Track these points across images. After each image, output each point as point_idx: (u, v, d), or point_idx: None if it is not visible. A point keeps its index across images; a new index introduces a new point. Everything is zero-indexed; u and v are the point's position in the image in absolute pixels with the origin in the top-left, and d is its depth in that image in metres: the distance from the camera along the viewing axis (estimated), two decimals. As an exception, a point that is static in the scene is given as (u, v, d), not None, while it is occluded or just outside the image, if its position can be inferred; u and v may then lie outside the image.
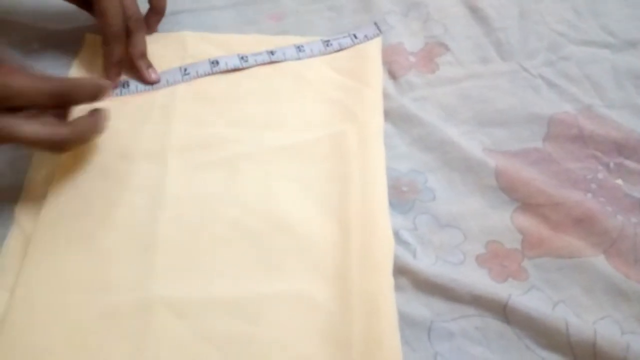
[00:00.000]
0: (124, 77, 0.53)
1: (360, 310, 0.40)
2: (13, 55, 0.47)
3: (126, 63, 0.53)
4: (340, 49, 0.57)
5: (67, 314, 0.40)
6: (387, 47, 0.58)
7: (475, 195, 0.48)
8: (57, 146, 0.42)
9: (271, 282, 0.42)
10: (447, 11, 0.62)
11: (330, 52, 0.57)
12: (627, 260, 0.44)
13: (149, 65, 0.53)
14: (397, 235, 0.45)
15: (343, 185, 0.47)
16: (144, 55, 0.53)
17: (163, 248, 0.43)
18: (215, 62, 0.54)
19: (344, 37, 0.58)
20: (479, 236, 0.46)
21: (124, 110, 0.50)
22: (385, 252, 0.43)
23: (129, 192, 0.46)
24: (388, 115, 0.52)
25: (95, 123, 0.44)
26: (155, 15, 0.56)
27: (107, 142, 0.48)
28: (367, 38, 0.58)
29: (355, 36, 0.58)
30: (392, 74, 0.56)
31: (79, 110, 0.45)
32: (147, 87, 0.52)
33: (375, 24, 0.59)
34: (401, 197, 0.48)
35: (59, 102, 0.42)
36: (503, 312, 0.41)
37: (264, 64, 0.55)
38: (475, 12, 0.61)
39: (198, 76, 0.54)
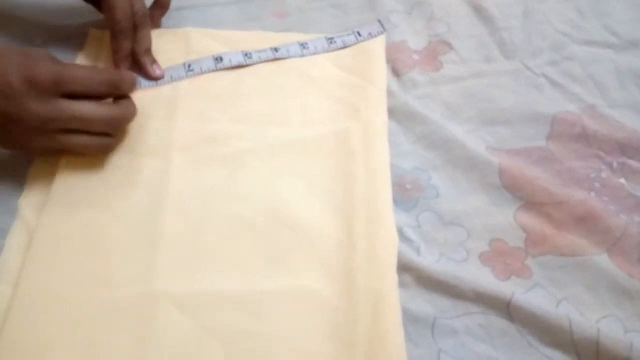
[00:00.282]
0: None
1: (364, 307, 0.40)
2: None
3: (131, 58, 0.53)
4: (344, 47, 0.57)
5: (71, 307, 0.40)
6: (390, 45, 0.58)
7: (479, 193, 0.48)
8: (111, 124, 0.45)
9: (275, 277, 0.42)
10: (450, 10, 0.62)
11: (334, 50, 0.57)
12: (630, 259, 0.44)
13: (153, 61, 0.53)
14: (400, 232, 0.45)
15: (347, 182, 0.47)
16: (148, 51, 0.53)
17: (167, 243, 0.43)
18: (219, 59, 0.54)
19: (348, 34, 0.58)
20: (482, 234, 0.46)
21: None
22: (389, 249, 0.43)
23: (133, 188, 0.46)
24: (392, 112, 0.52)
25: (133, 105, 0.47)
26: (159, 9, 0.56)
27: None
28: (371, 36, 0.58)
29: (359, 34, 0.58)
30: (396, 72, 0.56)
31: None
32: (151, 82, 0.52)
33: (379, 21, 0.59)
34: (405, 194, 0.48)
35: (108, 90, 0.45)
36: (506, 309, 0.41)
37: (267, 60, 0.55)
38: (479, 12, 0.62)
39: (202, 72, 0.54)
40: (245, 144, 0.49)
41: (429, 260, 0.44)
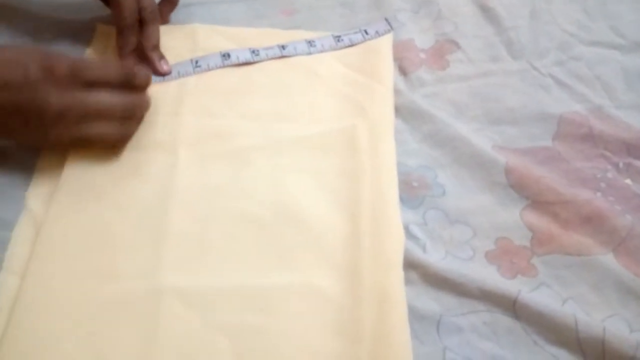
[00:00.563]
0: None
1: (370, 304, 0.40)
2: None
3: (138, 54, 0.53)
4: (351, 45, 0.57)
5: (77, 300, 0.40)
6: (397, 44, 0.58)
7: (485, 192, 0.48)
8: (129, 110, 0.46)
9: (281, 273, 0.42)
10: (457, 10, 0.62)
11: (342, 48, 0.57)
12: (635, 259, 0.44)
13: (161, 57, 0.53)
14: (406, 229, 0.45)
15: (354, 179, 0.47)
16: (156, 47, 0.53)
17: (173, 238, 0.43)
18: (226, 55, 0.54)
19: (355, 33, 0.58)
20: (488, 232, 0.46)
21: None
22: (395, 247, 0.43)
23: (140, 182, 0.46)
24: (398, 111, 0.52)
25: (148, 97, 0.48)
26: (168, 5, 0.56)
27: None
28: (378, 34, 0.58)
29: (366, 32, 0.58)
30: (403, 70, 0.56)
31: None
32: (159, 78, 0.53)
33: (387, 20, 0.59)
34: (411, 192, 0.48)
35: (125, 81, 0.46)
36: (512, 308, 0.41)
37: (275, 58, 0.55)
38: (486, 12, 0.62)
39: (209, 69, 0.54)
40: (252, 140, 0.49)
41: (435, 258, 0.44)
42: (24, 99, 0.42)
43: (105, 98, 0.44)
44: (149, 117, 0.49)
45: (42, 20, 0.57)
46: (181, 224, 0.44)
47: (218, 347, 0.39)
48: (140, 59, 0.53)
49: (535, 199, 0.47)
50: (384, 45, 0.57)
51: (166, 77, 0.53)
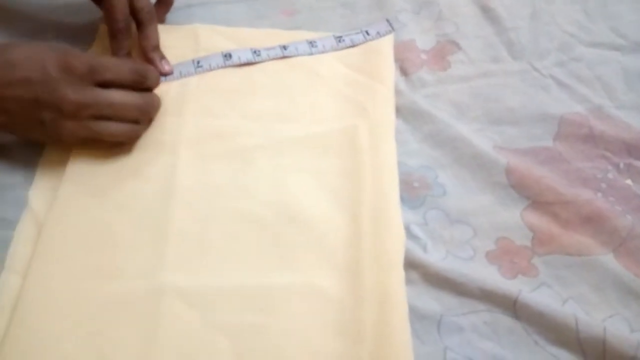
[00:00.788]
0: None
1: (372, 303, 0.40)
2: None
3: (140, 55, 0.53)
4: (353, 45, 0.57)
5: (79, 299, 0.40)
6: (398, 44, 0.58)
7: (486, 192, 0.48)
8: (142, 111, 0.47)
9: (282, 273, 0.42)
10: (458, 10, 0.62)
11: (343, 48, 0.57)
12: (636, 259, 0.44)
13: (162, 57, 0.53)
14: (407, 229, 0.45)
15: (355, 179, 0.47)
16: (157, 47, 0.53)
17: (174, 237, 0.43)
18: (228, 56, 0.55)
19: (357, 33, 0.58)
20: (489, 232, 0.46)
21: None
22: (396, 246, 0.43)
23: (142, 182, 0.46)
24: (399, 111, 0.53)
25: (157, 96, 0.49)
26: (163, 6, 0.56)
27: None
28: (379, 35, 0.58)
29: (367, 33, 0.58)
30: (404, 71, 0.56)
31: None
32: (160, 78, 0.53)
33: (388, 21, 0.59)
34: (412, 192, 0.48)
35: (137, 80, 0.47)
36: (513, 307, 0.41)
37: (276, 58, 0.55)
38: (487, 12, 0.62)
39: (211, 69, 0.54)
40: (254, 140, 0.49)
41: (435, 258, 0.44)
42: (42, 94, 0.43)
43: (120, 98, 0.45)
44: (150, 117, 0.49)
45: (41, 22, 0.57)
46: (182, 223, 0.44)
47: (218, 346, 0.39)
48: (142, 60, 0.53)
49: (536, 199, 0.47)
50: (385, 45, 0.57)
51: (168, 78, 0.53)
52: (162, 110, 0.50)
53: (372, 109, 0.51)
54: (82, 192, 0.45)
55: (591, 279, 0.44)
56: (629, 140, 0.52)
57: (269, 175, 0.47)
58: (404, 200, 0.47)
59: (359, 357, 0.38)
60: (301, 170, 0.48)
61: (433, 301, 0.42)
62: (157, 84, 0.49)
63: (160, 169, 0.47)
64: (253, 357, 0.39)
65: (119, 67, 0.46)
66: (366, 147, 0.49)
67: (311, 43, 0.56)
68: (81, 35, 0.56)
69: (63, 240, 0.43)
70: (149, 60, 0.53)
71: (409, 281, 0.42)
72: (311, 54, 0.56)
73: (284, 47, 0.56)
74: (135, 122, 0.47)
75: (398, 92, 0.54)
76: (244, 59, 0.55)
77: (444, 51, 0.58)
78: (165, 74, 0.53)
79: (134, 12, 0.52)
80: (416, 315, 0.41)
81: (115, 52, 0.51)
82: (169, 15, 0.58)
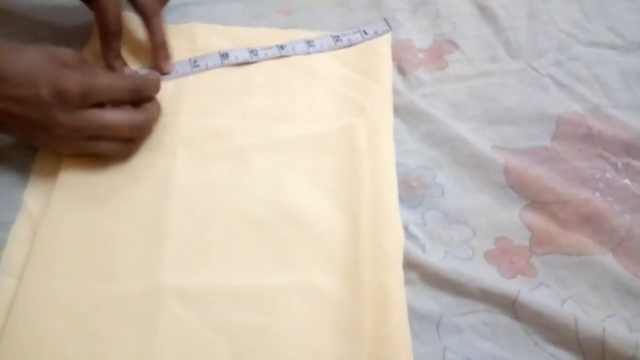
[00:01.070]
0: (132, 68, 0.53)
1: (370, 303, 0.40)
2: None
3: (144, 51, 0.53)
4: (350, 45, 0.57)
5: (75, 301, 0.40)
6: (395, 44, 0.58)
7: (484, 192, 0.48)
8: (137, 130, 0.46)
9: (281, 273, 0.42)
10: (456, 9, 0.62)
11: (340, 48, 0.57)
12: (634, 259, 0.44)
13: (167, 57, 0.53)
14: (406, 229, 0.45)
15: (353, 179, 0.47)
16: (165, 44, 0.53)
17: (172, 238, 0.43)
18: (225, 55, 0.54)
19: (354, 32, 0.58)
20: (487, 232, 0.46)
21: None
22: (395, 246, 0.43)
23: (138, 182, 0.46)
24: (397, 110, 0.52)
25: (157, 106, 0.48)
26: (159, 2, 0.56)
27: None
28: (377, 34, 0.58)
29: (365, 32, 0.58)
30: (401, 70, 0.56)
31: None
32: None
33: (385, 20, 0.59)
34: (410, 192, 0.48)
35: (135, 97, 0.46)
36: (512, 307, 0.41)
37: (274, 57, 0.55)
38: (484, 11, 0.62)
39: (208, 68, 0.54)
40: (251, 139, 0.49)
41: (434, 258, 0.44)
42: (34, 115, 0.42)
43: (113, 119, 0.44)
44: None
45: (35, 22, 0.56)
46: (179, 223, 0.44)
47: (217, 347, 0.39)
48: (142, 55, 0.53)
49: (534, 198, 0.47)
50: (383, 45, 0.57)
51: (164, 77, 0.52)
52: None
53: (370, 109, 0.51)
54: (78, 193, 0.45)
55: (590, 279, 0.44)
56: (627, 140, 0.52)
57: (267, 174, 0.47)
58: (402, 200, 0.47)
59: (358, 358, 0.38)
60: (299, 170, 0.48)
61: (432, 301, 0.42)
62: (157, 91, 0.47)
63: (158, 168, 0.47)
64: (252, 357, 0.39)
65: (113, 86, 0.44)
66: (364, 146, 0.49)
67: (309, 42, 0.56)
68: (75, 35, 0.55)
69: (59, 241, 0.42)
70: (154, 55, 0.52)
71: (407, 281, 0.42)
72: (309, 53, 0.56)
73: (282, 47, 0.56)
74: (130, 141, 0.46)
75: (395, 92, 0.54)
76: (241, 59, 0.54)
77: (441, 50, 0.58)
78: (163, 74, 0.52)
79: (137, 6, 0.51)
80: (415, 316, 0.41)
81: (105, 54, 0.51)
82: (166, 14, 0.58)
